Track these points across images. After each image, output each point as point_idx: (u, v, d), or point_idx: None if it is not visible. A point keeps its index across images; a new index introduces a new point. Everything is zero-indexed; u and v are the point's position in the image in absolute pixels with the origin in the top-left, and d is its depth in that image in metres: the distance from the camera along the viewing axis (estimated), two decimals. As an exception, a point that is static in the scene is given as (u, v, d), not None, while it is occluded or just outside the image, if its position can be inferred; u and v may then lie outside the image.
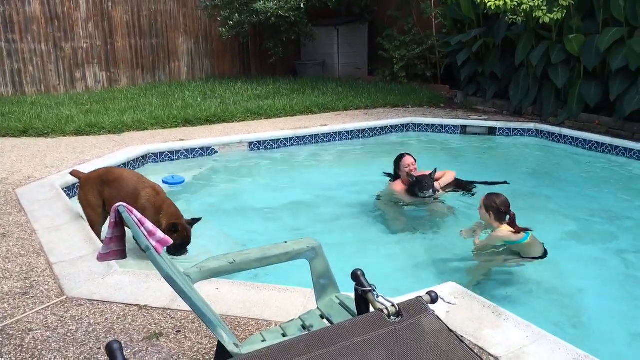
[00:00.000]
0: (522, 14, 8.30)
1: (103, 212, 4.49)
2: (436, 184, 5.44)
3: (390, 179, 5.98)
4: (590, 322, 3.70)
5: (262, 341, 2.29)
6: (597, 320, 3.73)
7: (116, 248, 2.25)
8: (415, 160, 5.69)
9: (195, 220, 4.33)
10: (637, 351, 3.40)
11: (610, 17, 7.99)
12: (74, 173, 4.95)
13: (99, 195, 4.45)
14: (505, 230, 4.26)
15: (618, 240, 4.96)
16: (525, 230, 4.22)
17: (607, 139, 7.80)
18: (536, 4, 8.06)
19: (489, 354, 2.70)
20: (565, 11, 8.09)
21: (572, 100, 8.50)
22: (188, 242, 4.28)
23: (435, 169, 5.54)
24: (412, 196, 5.48)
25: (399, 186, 5.68)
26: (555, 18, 8.04)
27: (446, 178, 5.71)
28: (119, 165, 6.45)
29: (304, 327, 2.40)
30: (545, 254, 4.26)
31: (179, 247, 4.22)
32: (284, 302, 3.27)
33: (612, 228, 5.23)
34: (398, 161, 5.74)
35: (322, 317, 2.45)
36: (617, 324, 3.68)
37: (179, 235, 4.17)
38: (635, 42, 7.41)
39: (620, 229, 5.22)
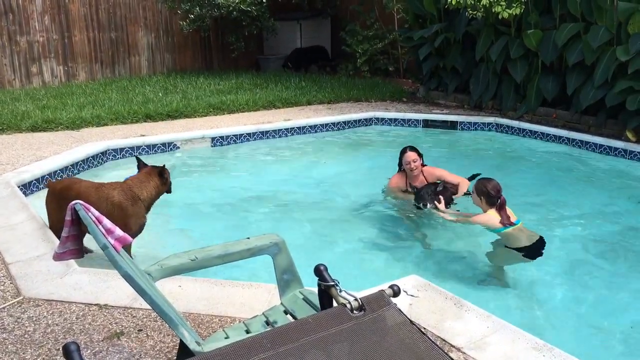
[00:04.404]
0: (482, 9, 8.42)
1: (61, 225, 4.32)
2: (441, 206, 4.87)
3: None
4: (549, 312, 3.79)
5: (225, 338, 2.27)
6: (556, 310, 3.82)
7: (73, 247, 2.19)
8: (421, 155, 5.37)
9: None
10: (594, 340, 3.50)
11: (566, 13, 8.17)
12: (47, 184, 4.74)
13: (59, 208, 4.19)
14: (488, 215, 4.31)
15: (576, 230, 5.09)
16: (511, 223, 4.27)
17: (564, 132, 7.99)
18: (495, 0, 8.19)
19: (451, 345, 2.74)
20: (524, 7, 8.24)
21: (531, 95, 8.67)
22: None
23: (442, 182, 5.12)
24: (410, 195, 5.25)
25: (395, 180, 5.47)
26: (514, 13, 8.19)
27: (462, 190, 5.26)
28: (78, 162, 6.32)
29: (267, 323, 2.39)
30: (536, 247, 4.21)
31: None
32: (248, 298, 3.25)
33: (570, 218, 5.36)
34: (400, 155, 5.40)
35: (286, 312, 2.45)
36: (575, 314, 3.78)
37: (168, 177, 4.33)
38: (590, 37, 7.59)
39: (578, 218, 5.36)
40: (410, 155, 5.29)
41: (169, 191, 4.42)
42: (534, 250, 4.20)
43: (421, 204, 4.94)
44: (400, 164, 5.45)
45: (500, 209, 4.28)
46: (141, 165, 4.35)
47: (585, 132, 7.92)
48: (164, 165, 4.31)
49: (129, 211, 4.04)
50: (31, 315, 3.11)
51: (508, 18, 8.37)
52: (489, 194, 4.29)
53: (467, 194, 5.13)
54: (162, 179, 4.25)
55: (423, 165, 5.41)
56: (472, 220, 4.45)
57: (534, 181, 6.56)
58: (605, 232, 5.08)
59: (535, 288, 4.09)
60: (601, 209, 5.62)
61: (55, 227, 4.25)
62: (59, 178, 5.79)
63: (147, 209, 4.23)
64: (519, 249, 4.21)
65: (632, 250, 4.71)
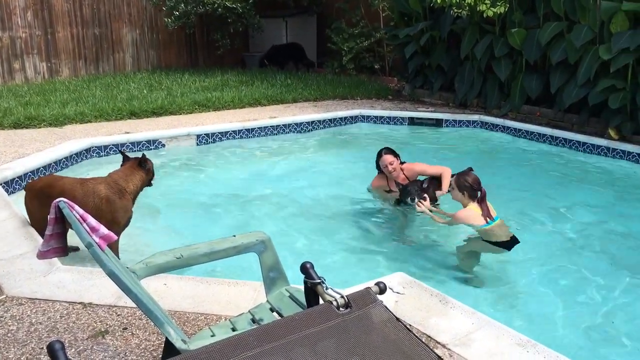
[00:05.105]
0: (467, 8, 8.47)
1: (44, 224, 4.26)
2: (426, 203, 4.84)
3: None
4: (533, 309, 3.82)
5: (212, 336, 2.26)
6: (539, 306, 3.86)
7: (56, 245, 2.17)
8: (398, 156, 5.31)
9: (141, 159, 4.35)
10: (577, 336, 3.53)
11: (550, 12, 8.24)
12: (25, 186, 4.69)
13: (41, 206, 4.06)
14: (470, 210, 4.32)
15: (559, 227, 5.13)
16: (491, 217, 4.30)
17: (547, 130, 8.07)
18: (480, -2, 8.25)
19: (436, 342, 2.76)
20: (508, 5, 8.30)
21: (515, 93, 8.74)
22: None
23: (427, 179, 5.10)
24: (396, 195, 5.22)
25: (376, 182, 5.51)
26: (499, 12, 8.25)
27: (446, 182, 5.16)
28: (61, 159, 6.26)
29: (253, 320, 2.39)
30: (511, 242, 4.27)
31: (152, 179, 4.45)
32: (234, 296, 3.25)
33: (552, 215, 5.41)
34: (377, 158, 5.35)
35: (272, 310, 2.45)
36: (558, 310, 3.81)
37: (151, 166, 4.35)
38: (574, 36, 7.67)
39: (561, 215, 5.41)
40: (387, 158, 5.23)
41: (149, 184, 4.41)
42: (510, 244, 4.25)
43: (408, 199, 4.89)
44: (378, 167, 5.42)
45: (482, 201, 4.32)
46: (125, 159, 4.34)
47: (568, 130, 8.00)
48: (144, 155, 4.32)
49: (116, 204, 4.03)
50: (14, 314, 3.07)
51: (492, 17, 8.42)
52: (472, 188, 4.32)
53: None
54: (144, 169, 4.27)
55: (402, 163, 5.38)
56: (455, 219, 4.46)
57: (518, 178, 6.61)
58: (588, 229, 5.13)
59: (519, 285, 4.13)
60: (584, 206, 5.68)
61: (39, 225, 4.20)
62: (42, 175, 5.73)
63: (133, 202, 4.22)
64: (495, 243, 4.26)
65: (614, 247, 4.77)
